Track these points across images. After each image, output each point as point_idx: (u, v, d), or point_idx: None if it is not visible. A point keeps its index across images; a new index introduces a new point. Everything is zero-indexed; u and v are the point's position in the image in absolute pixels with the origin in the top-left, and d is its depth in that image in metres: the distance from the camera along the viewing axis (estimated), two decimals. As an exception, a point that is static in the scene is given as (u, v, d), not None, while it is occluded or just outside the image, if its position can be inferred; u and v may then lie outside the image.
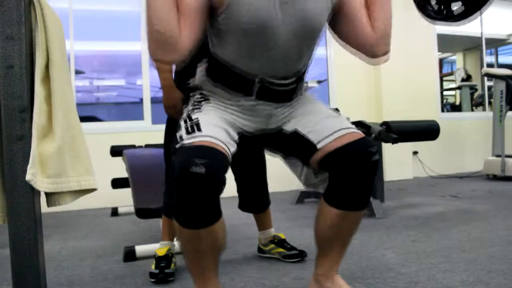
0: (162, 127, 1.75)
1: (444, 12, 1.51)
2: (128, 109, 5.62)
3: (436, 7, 1.55)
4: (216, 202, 1.03)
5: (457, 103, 6.81)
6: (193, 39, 1.07)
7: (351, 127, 1.20)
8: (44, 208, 1.10)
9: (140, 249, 1.89)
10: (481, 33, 5.66)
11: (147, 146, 3.10)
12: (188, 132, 1.09)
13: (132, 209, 2.22)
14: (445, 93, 7.33)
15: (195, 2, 1.06)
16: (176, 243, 1.72)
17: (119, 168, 2.83)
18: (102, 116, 5.20)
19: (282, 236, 1.84)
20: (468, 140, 5.22)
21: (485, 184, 4.02)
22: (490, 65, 6.56)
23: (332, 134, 1.17)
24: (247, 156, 1.72)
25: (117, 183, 2.96)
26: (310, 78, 5.29)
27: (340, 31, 1.23)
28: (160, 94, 1.95)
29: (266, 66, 1.17)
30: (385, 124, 2.88)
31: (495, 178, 4.27)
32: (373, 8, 1.20)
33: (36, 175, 1.02)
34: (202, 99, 1.22)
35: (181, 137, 1.09)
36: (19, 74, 1.03)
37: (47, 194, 1.09)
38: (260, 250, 1.88)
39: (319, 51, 1.51)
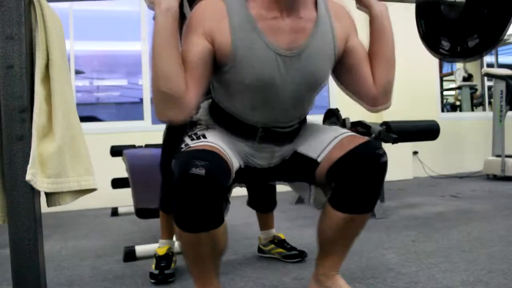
0: (162, 127, 1.75)
1: (458, 49, 1.47)
2: (128, 109, 5.62)
3: (448, 46, 1.53)
4: (217, 207, 1.01)
5: (457, 103, 6.81)
6: (199, 96, 1.07)
7: (346, 132, 1.20)
8: (44, 208, 1.10)
9: (140, 249, 1.89)
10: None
11: (147, 146, 3.09)
12: (192, 139, 1.10)
13: (132, 209, 2.22)
14: (445, 93, 7.33)
15: (200, 59, 1.05)
16: (175, 241, 1.72)
17: (119, 168, 2.83)
18: (102, 116, 5.20)
19: (282, 236, 1.84)
20: (468, 140, 5.21)
21: (485, 184, 4.02)
22: (490, 65, 6.56)
23: (329, 144, 1.17)
24: None
25: (117, 183, 2.96)
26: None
27: (342, 81, 1.24)
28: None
29: (269, 117, 1.17)
30: (385, 124, 2.88)
31: (495, 178, 4.27)
32: (376, 63, 1.20)
33: (36, 175, 1.02)
34: (208, 127, 1.21)
35: (186, 144, 1.09)
36: (19, 74, 1.03)
37: (47, 194, 1.09)
38: (260, 250, 1.88)
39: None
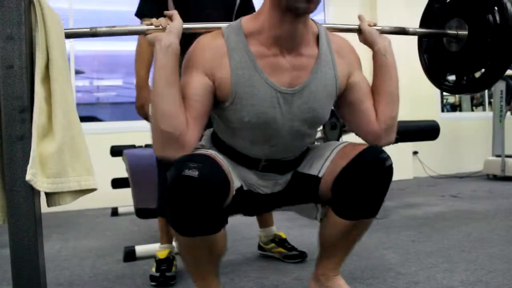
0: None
1: (464, 82, 1.44)
2: (128, 109, 5.61)
3: (453, 81, 1.50)
4: (213, 213, 0.98)
5: (457, 103, 6.80)
6: (199, 133, 1.06)
7: (344, 142, 1.19)
8: (44, 208, 1.10)
9: (140, 249, 1.89)
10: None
11: (147, 146, 3.09)
12: (194, 150, 1.08)
13: (132, 209, 2.22)
14: (445, 93, 7.32)
15: (200, 97, 1.04)
16: (175, 245, 1.72)
17: (119, 168, 2.83)
18: (102, 116, 5.20)
19: (283, 235, 1.83)
20: (468, 140, 5.21)
21: (485, 184, 4.02)
22: (490, 65, 6.54)
23: (328, 157, 1.16)
24: None
25: (117, 183, 2.96)
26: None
27: (345, 116, 1.23)
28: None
29: (270, 152, 1.16)
30: (385, 124, 2.87)
31: (495, 178, 4.27)
32: (379, 98, 1.18)
33: (36, 175, 1.02)
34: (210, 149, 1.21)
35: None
36: (19, 74, 1.03)
37: (47, 194, 1.08)
38: (260, 247, 1.87)
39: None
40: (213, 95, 1.06)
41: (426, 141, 3.38)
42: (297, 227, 2.38)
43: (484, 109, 5.94)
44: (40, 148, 1.05)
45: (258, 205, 1.24)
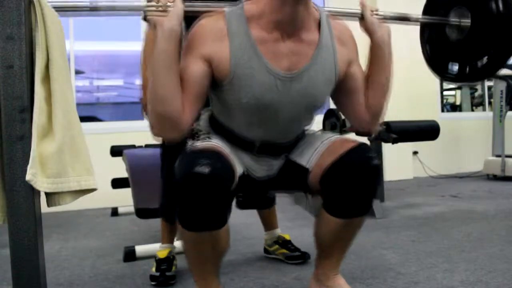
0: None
1: (467, 71, 1.44)
2: (128, 109, 5.62)
3: (456, 70, 1.50)
4: (221, 208, 1.00)
5: (457, 103, 6.81)
6: (194, 115, 1.08)
7: (334, 135, 1.20)
8: (44, 208, 1.10)
9: (140, 249, 1.89)
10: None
11: (147, 146, 3.09)
12: (198, 141, 1.10)
13: (132, 209, 2.22)
14: (445, 93, 7.32)
15: (196, 81, 1.05)
16: (176, 244, 1.72)
17: (119, 168, 2.83)
18: (102, 116, 5.20)
19: (287, 237, 1.83)
20: (468, 140, 5.21)
21: (485, 184, 4.02)
22: (490, 65, 6.54)
23: (317, 149, 1.17)
24: None
25: (117, 183, 2.96)
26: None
27: (337, 101, 1.25)
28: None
29: (266, 135, 1.17)
30: (385, 124, 2.88)
31: (495, 178, 4.27)
32: (370, 87, 1.20)
33: (36, 175, 1.02)
34: (209, 135, 1.22)
35: (192, 144, 1.10)
36: (19, 74, 1.03)
37: (47, 194, 1.09)
38: (265, 250, 1.87)
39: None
40: (210, 79, 1.08)
41: (426, 141, 3.38)
42: (297, 227, 2.38)
43: (484, 109, 5.94)
44: (40, 148, 1.05)
45: (254, 188, 1.26)
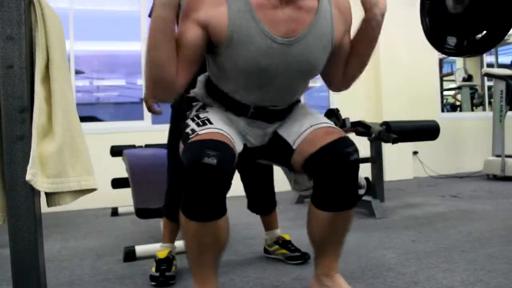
0: (162, 127, 1.75)
1: (465, 44, 1.45)
2: (128, 109, 5.63)
3: (454, 43, 1.51)
4: (223, 196, 1.05)
5: (457, 103, 6.81)
6: (188, 78, 1.11)
7: (322, 121, 1.21)
8: (44, 208, 1.10)
9: (140, 249, 1.88)
10: (481, 33, 5.65)
11: (147, 146, 3.09)
12: (199, 125, 1.11)
13: (132, 209, 2.22)
14: (445, 93, 7.33)
15: (192, 47, 1.08)
16: (177, 244, 1.72)
17: (119, 168, 2.83)
18: (102, 116, 5.20)
19: (287, 237, 1.83)
20: (468, 140, 5.22)
21: (485, 184, 4.02)
22: (490, 65, 6.56)
23: (303, 132, 1.19)
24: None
25: (117, 183, 2.96)
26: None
27: None
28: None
29: (262, 100, 1.19)
30: (385, 124, 2.88)
31: (495, 178, 4.27)
32: (352, 59, 1.23)
33: (36, 175, 1.02)
34: (205, 106, 1.25)
35: (193, 130, 1.11)
36: (19, 74, 1.03)
37: (47, 194, 1.09)
38: (265, 251, 1.88)
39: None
40: (206, 44, 1.10)
41: (426, 141, 3.38)
42: (297, 227, 2.38)
43: (484, 109, 5.94)
44: (40, 148, 1.05)
45: (246, 157, 1.27)
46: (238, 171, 1.75)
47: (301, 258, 1.73)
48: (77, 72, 4.33)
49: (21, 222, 1.03)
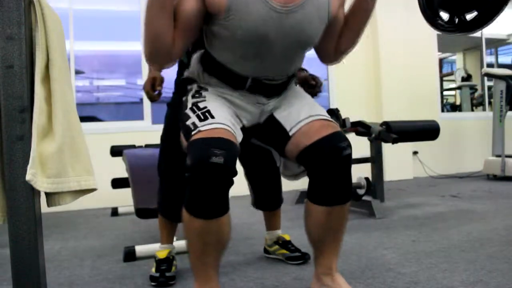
0: (162, 127, 1.74)
1: (456, 22, 1.47)
2: (128, 109, 5.62)
3: (446, 19, 1.52)
4: (227, 193, 1.06)
5: (457, 103, 6.81)
6: (184, 47, 1.14)
7: (320, 114, 1.22)
8: (44, 208, 1.10)
9: (140, 249, 1.88)
10: (481, 33, 5.66)
11: (147, 146, 3.09)
12: (201, 119, 1.11)
13: (132, 209, 2.22)
14: (445, 93, 7.33)
15: (189, 17, 1.09)
16: (176, 244, 1.72)
17: (119, 168, 2.83)
18: (102, 116, 5.20)
19: (287, 237, 1.83)
20: (468, 140, 5.22)
21: (485, 184, 4.02)
22: (490, 65, 6.56)
23: (301, 121, 1.20)
24: (261, 154, 1.71)
25: (117, 183, 2.96)
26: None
27: None
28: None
29: (259, 70, 1.20)
30: (385, 124, 2.88)
31: (495, 178, 4.27)
32: (346, 32, 1.26)
33: (36, 175, 1.02)
34: (200, 89, 1.26)
35: (194, 124, 1.10)
36: (19, 74, 1.03)
37: (47, 194, 1.09)
38: (265, 251, 1.88)
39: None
40: (204, 14, 1.11)
41: (426, 141, 3.38)
42: (297, 227, 2.38)
43: (484, 109, 5.94)
44: (40, 148, 1.05)
45: (246, 135, 1.28)
46: (243, 167, 1.75)
47: (301, 258, 1.73)
48: (77, 72, 4.33)
49: (21, 222, 1.03)
